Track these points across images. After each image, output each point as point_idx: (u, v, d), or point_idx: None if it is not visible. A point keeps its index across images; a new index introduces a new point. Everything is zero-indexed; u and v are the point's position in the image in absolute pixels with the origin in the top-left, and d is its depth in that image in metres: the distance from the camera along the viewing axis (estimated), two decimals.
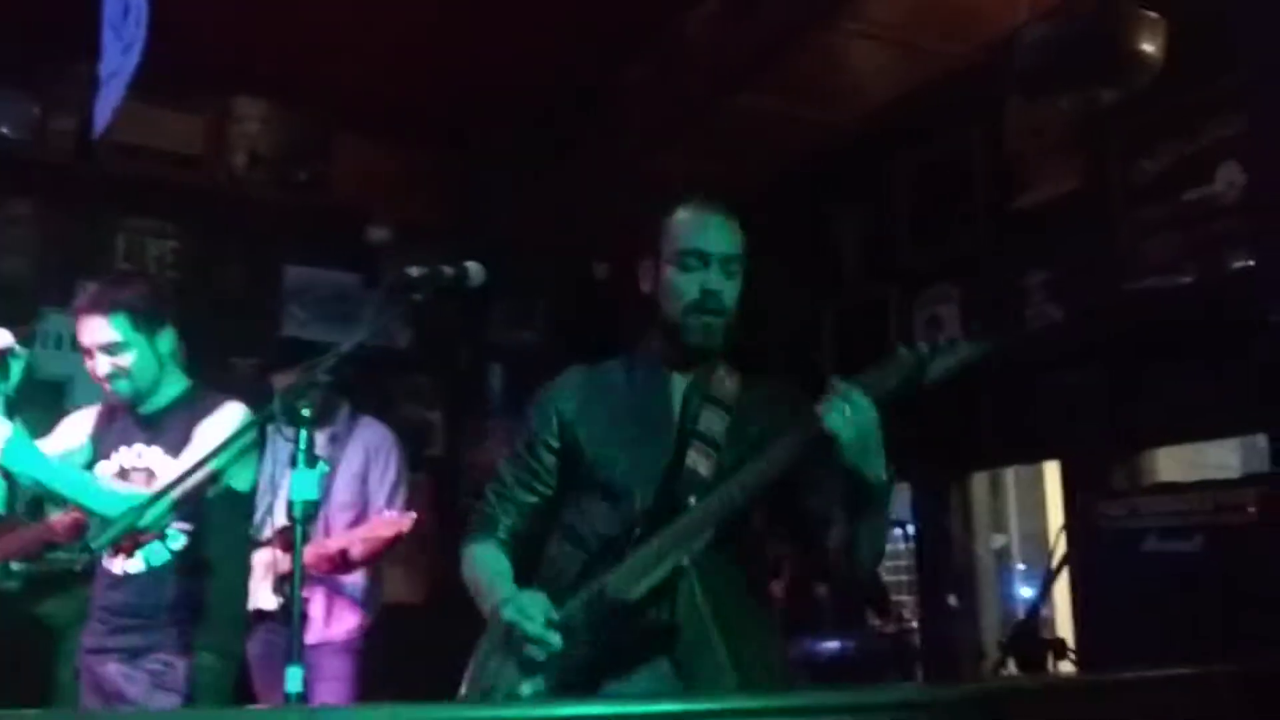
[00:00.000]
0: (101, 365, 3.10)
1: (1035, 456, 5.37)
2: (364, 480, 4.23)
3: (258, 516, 3.87)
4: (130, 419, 3.21)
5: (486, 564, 2.51)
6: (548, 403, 2.61)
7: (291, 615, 2.23)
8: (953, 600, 4.54)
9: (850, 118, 5.26)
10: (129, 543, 3.01)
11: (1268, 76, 1.98)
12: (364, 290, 6.38)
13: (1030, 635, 3.07)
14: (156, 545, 3.09)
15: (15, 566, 4.45)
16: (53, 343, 5.45)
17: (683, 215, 2.52)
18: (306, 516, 2.26)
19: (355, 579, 4.14)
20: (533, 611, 2.23)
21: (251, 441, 3.10)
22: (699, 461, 2.37)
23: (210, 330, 5.94)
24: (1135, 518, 2.68)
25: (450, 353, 6.59)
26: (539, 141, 6.16)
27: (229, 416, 3.10)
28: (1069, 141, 4.82)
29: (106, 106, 3.85)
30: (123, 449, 3.18)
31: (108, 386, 3.15)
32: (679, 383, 2.51)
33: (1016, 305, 5.10)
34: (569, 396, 2.58)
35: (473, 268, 2.64)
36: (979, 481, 5.76)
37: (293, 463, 2.26)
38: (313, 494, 2.26)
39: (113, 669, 3.05)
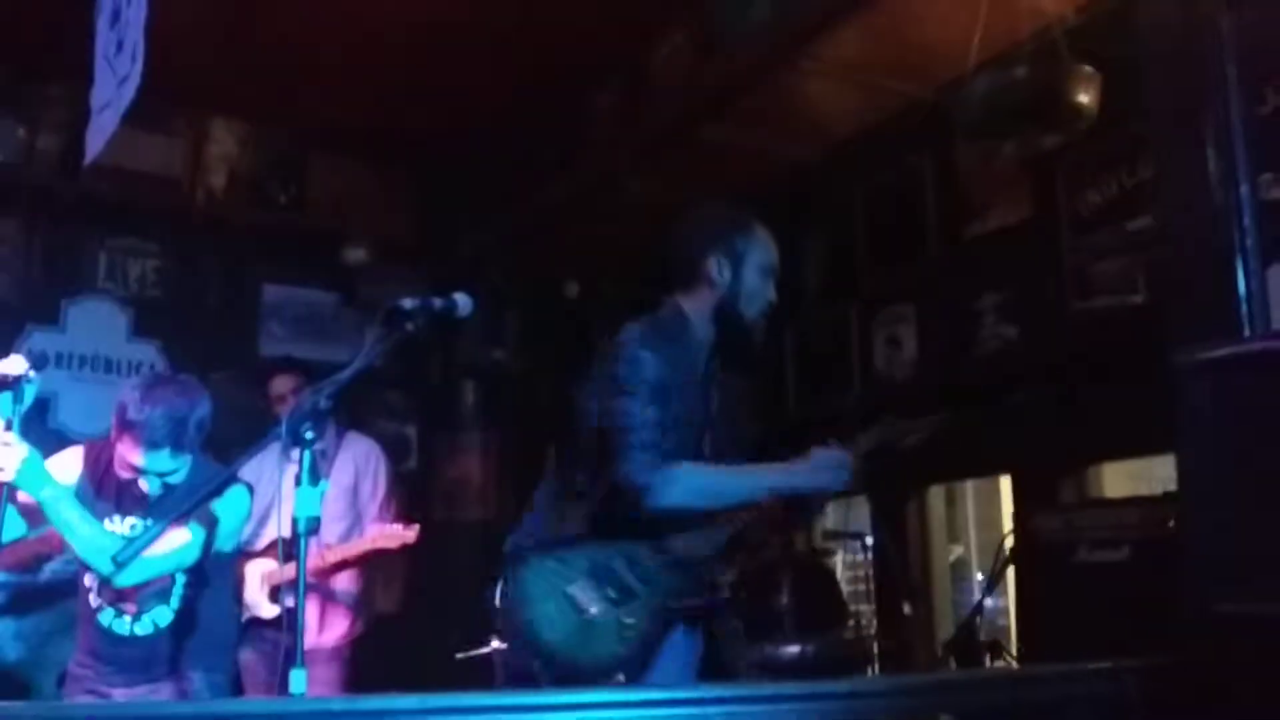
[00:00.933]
0: None
1: (988, 471, 5.62)
2: (355, 493, 4.40)
3: (250, 529, 4.05)
4: None
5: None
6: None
7: (287, 623, 2.40)
8: (906, 609, 4.76)
9: (811, 149, 5.48)
10: (131, 603, 3.14)
11: (1170, 126, 2.21)
12: (340, 309, 6.54)
13: (968, 637, 3.28)
14: (161, 607, 3.19)
15: (3, 578, 4.54)
16: (37, 360, 5.55)
17: (762, 234, 3.02)
18: (309, 531, 2.43)
19: (348, 587, 4.31)
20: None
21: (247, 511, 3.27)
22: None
23: (190, 346, 6.13)
24: (1069, 530, 2.92)
25: (424, 369, 6.76)
26: (511, 164, 6.34)
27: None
28: (1018, 173, 5.07)
29: (99, 136, 3.97)
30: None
31: None
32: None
33: (970, 326, 5.36)
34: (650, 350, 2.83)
35: (461, 299, 2.83)
36: (935, 495, 6.01)
37: (297, 481, 2.43)
38: (316, 510, 2.43)
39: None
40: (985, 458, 5.27)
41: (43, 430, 5.44)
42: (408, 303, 2.74)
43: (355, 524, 4.35)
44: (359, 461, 4.46)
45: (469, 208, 6.68)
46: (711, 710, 1.45)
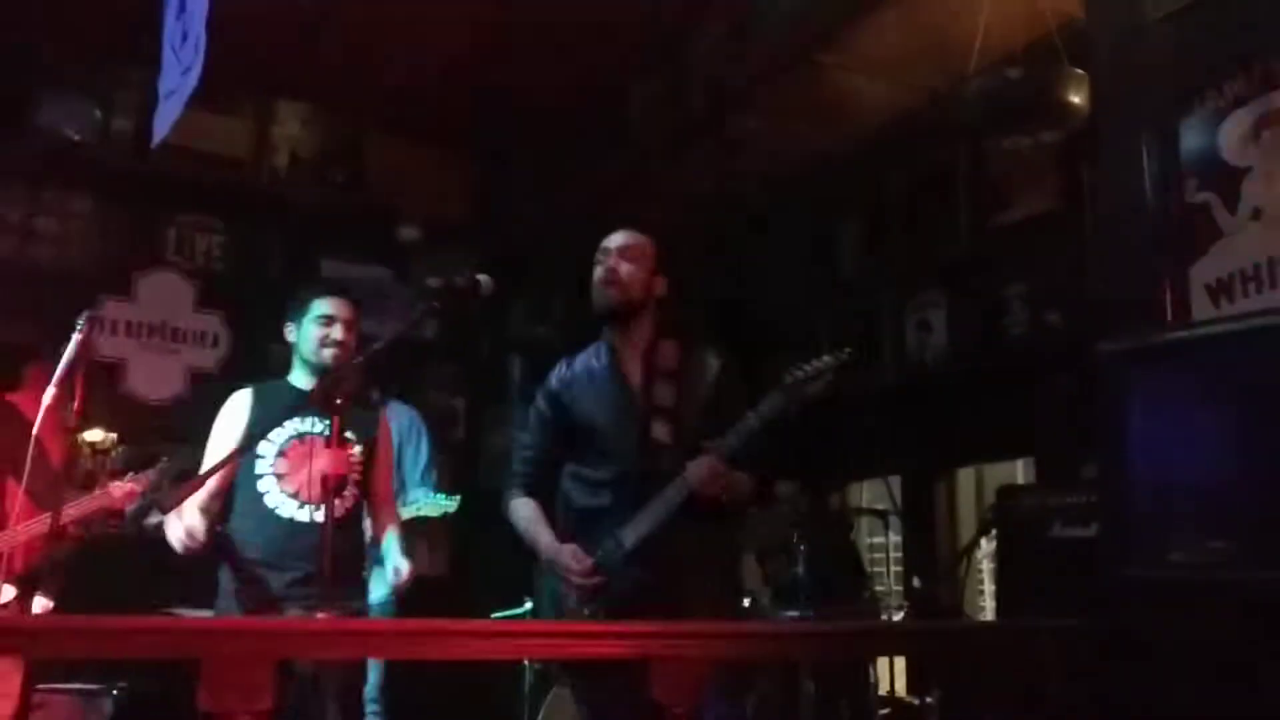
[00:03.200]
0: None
1: (1013, 454, 5.75)
2: (398, 462, 4.63)
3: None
4: None
5: (530, 517, 3.17)
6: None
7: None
8: (916, 582, 4.93)
9: (844, 138, 5.63)
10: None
11: (1110, 129, 2.36)
12: (394, 284, 6.81)
13: (929, 598, 3.46)
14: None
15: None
16: (109, 328, 5.91)
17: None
18: (337, 489, 2.69)
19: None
20: (574, 565, 2.94)
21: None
22: (662, 433, 3.00)
23: (251, 317, 6.44)
24: (1044, 508, 3.10)
25: (473, 345, 7.02)
26: (559, 148, 6.56)
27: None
28: (1046, 164, 5.18)
29: (165, 121, 4.23)
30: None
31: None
32: (627, 355, 3.15)
33: (998, 312, 5.50)
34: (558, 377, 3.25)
35: (483, 279, 3.06)
36: (965, 476, 6.16)
37: (327, 443, 2.69)
38: (342, 469, 2.70)
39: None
40: (1011, 440, 5.42)
41: (112, 394, 5.82)
42: (433, 281, 2.99)
43: (399, 490, 4.58)
44: (401, 431, 4.69)
45: (519, 189, 6.92)
46: (650, 644, 1.67)
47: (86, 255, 6.13)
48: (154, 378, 6.11)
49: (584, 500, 3.11)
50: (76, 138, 6.00)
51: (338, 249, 6.76)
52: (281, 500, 3.33)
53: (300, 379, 3.55)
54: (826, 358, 3.03)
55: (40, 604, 3.22)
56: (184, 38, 4.13)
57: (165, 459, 4.21)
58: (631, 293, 3.13)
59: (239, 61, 5.57)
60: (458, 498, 4.40)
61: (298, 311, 3.52)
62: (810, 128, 5.51)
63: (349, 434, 3.40)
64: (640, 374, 3.13)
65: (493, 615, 4.94)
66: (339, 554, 3.39)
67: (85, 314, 3.44)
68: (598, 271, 3.15)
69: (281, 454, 3.37)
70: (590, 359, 3.21)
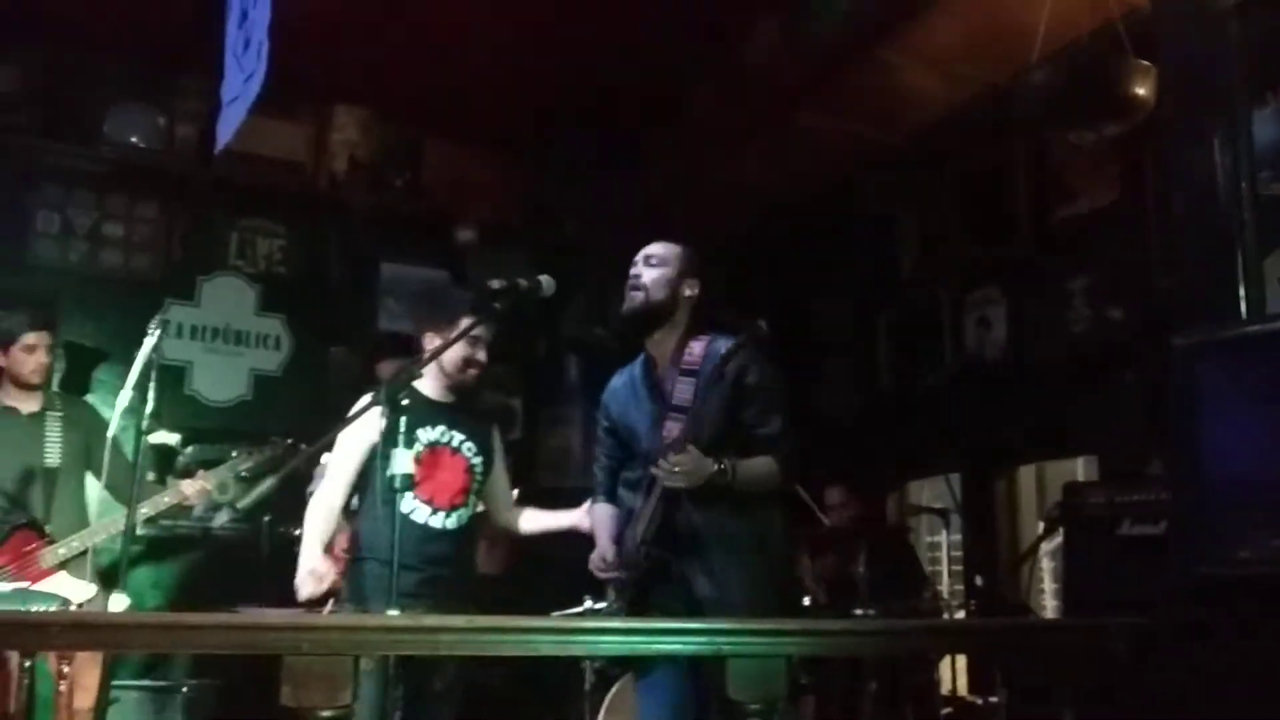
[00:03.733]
0: None
1: (1076, 451, 5.68)
2: None
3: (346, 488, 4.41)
4: None
5: (599, 520, 3.42)
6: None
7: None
8: (978, 580, 4.89)
9: (902, 134, 5.60)
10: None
11: (1181, 122, 2.32)
12: (452, 286, 6.87)
13: (993, 596, 3.43)
14: (463, 510, 3.62)
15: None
16: (175, 332, 6.02)
17: None
18: (404, 487, 2.74)
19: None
20: (598, 561, 3.26)
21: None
22: (672, 429, 3.17)
23: (312, 320, 6.54)
24: (1112, 506, 3.06)
25: (530, 345, 7.06)
26: (615, 149, 6.59)
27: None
28: (1108, 157, 5.11)
29: (228, 127, 4.30)
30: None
31: None
32: (661, 360, 3.33)
33: (1059, 308, 5.43)
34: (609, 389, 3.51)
35: (545, 280, 3.10)
36: (1026, 473, 6.09)
37: (393, 443, 2.73)
38: (409, 469, 2.74)
39: None
40: (1073, 437, 5.36)
41: (178, 396, 5.92)
42: (496, 283, 3.03)
43: None
44: None
45: (574, 190, 6.94)
46: (721, 640, 1.69)
47: (152, 260, 6.23)
48: (218, 380, 6.21)
49: (628, 501, 3.31)
50: (142, 146, 6.11)
51: (396, 251, 6.82)
52: (416, 505, 3.51)
53: (429, 387, 3.66)
54: (748, 330, 3.17)
55: (118, 600, 3.29)
56: (246, 45, 4.19)
57: (235, 456, 4.29)
58: (655, 297, 3.29)
59: (298, 67, 5.64)
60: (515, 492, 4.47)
61: (445, 323, 3.58)
62: (868, 123, 5.49)
63: (471, 445, 3.63)
64: (669, 370, 3.27)
65: (552, 615, 4.96)
66: (465, 559, 3.60)
67: (157, 319, 3.52)
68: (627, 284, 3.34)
69: (417, 461, 3.47)
70: (633, 368, 3.41)
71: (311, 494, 4.96)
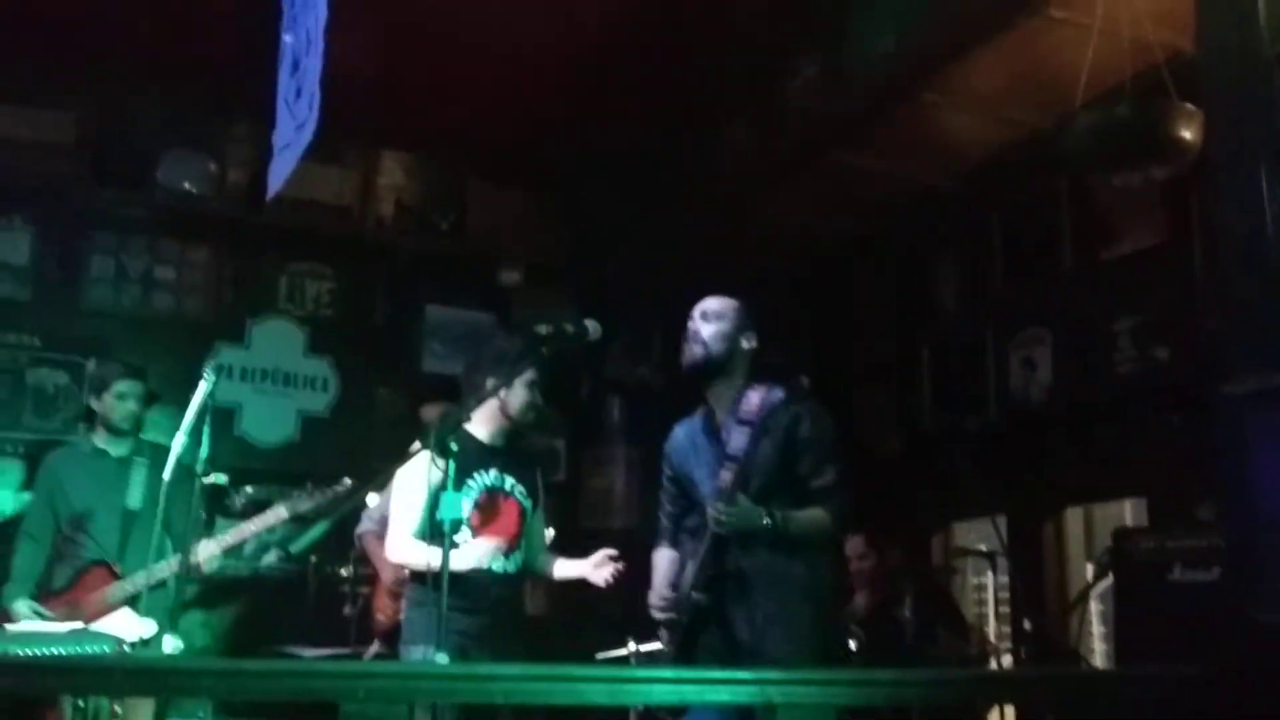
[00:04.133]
0: None
1: (1124, 493, 5.61)
2: None
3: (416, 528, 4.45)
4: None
5: (657, 564, 3.51)
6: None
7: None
8: (1026, 625, 4.84)
9: (943, 174, 5.61)
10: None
11: (1226, 161, 2.32)
12: (496, 327, 6.94)
13: (1042, 642, 3.40)
14: (518, 554, 3.67)
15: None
16: (224, 373, 6.11)
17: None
18: (453, 531, 2.77)
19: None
20: (655, 601, 3.35)
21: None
22: (726, 477, 3.29)
23: (359, 362, 6.62)
24: (1163, 552, 3.03)
25: (573, 386, 7.10)
26: (655, 189, 6.64)
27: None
28: (1153, 197, 5.08)
29: (279, 175, 4.37)
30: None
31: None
32: (720, 411, 3.44)
33: (1105, 348, 5.39)
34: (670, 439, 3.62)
35: (591, 325, 3.15)
36: (1073, 516, 6.02)
37: (442, 487, 2.77)
38: (458, 513, 2.78)
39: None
40: (1121, 479, 5.30)
41: (226, 437, 6.00)
42: (543, 328, 3.09)
43: None
44: None
45: (616, 230, 7.00)
46: (771, 690, 1.69)
47: (203, 303, 6.37)
48: (267, 421, 6.30)
49: (686, 545, 3.43)
50: (194, 191, 6.23)
51: (441, 294, 6.92)
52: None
53: (480, 431, 3.69)
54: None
55: (170, 642, 3.34)
56: (298, 94, 4.27)
57: (295, 495, 4.34)
58: (714, 351, 3.40)
59: (346, 114, 5.77)
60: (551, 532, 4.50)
61: (510, 371, 3.60)
62: (909, 164, 5.51)
63: (522, 489, 3.71)
64: (727, 421, 3.38)
65: (596, 656, 4.97)
66: (521, 601, 3.66)
67: (211, 365, 3.60)
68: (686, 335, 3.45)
69: (476, 505, 3.56)
70: (694, 419, 3.52)
71: (360, 535, 5.02)
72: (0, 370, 5.88)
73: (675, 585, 3.36)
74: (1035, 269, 5.86)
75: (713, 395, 3.45)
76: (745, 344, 3.44)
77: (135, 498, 4.53)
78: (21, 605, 4.29)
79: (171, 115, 6.26)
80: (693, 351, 3.42)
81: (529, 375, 3.55)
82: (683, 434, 3.57)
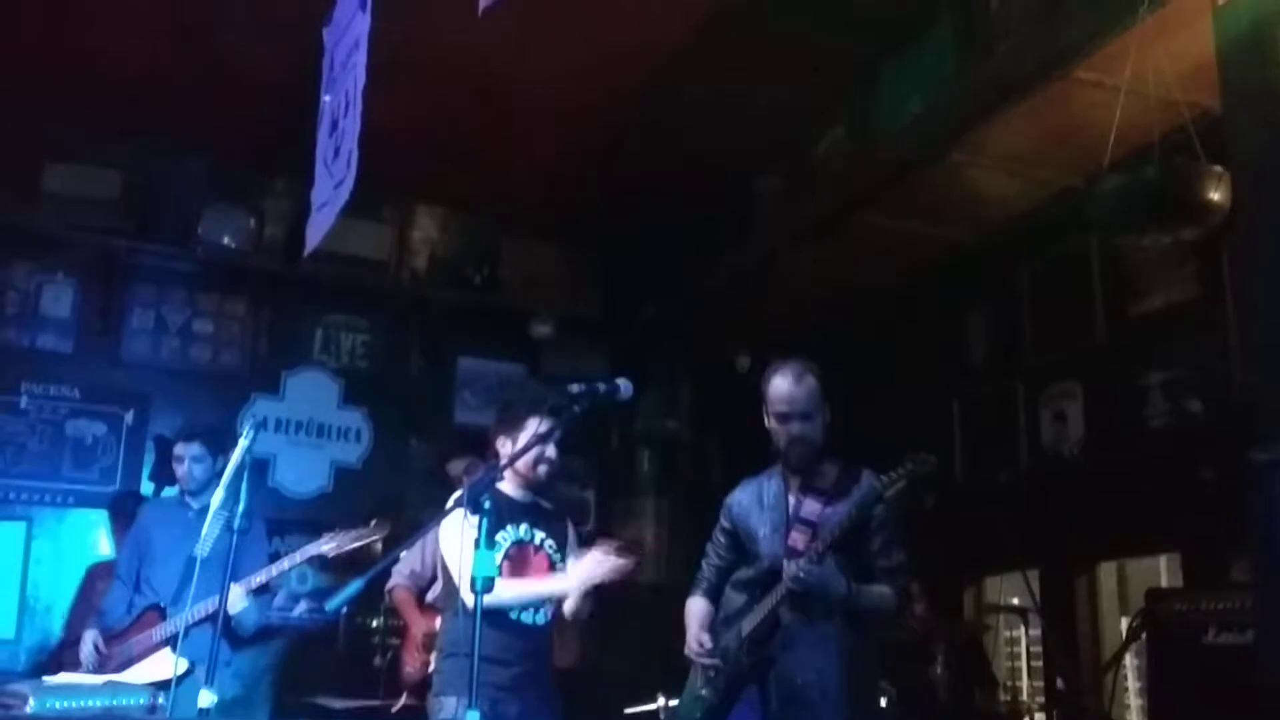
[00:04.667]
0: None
1: (1157, 549, 5.57)
2: None
3: (438, 586, 4.48)
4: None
5: (692, 611, 3.60)
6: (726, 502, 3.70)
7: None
8: (1060, 683, 4.79)
9: (972, 231, 5.64)
10: None
11: (1253, 227, 2.34)
12: (527, 379, 6.99)
13: (1076, 704, 3.37)
14: (548, 606, 3.67)
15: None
16: (260, 426, 6.17)
17: (774, 381, 3.48)
18: (485, 589, 2.78)
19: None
20: (694, 645, 3.44)
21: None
22: (797, 539, 3.34)
23: (393, 413, 6.68)
24: (1197, 614, 3.01)
25: (603, 438, 7.12)
26: (685, 246, 6.70)
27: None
28: (1184, 252, 5.08)
29: (317, 232, 4.43)
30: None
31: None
32: (794, 481, 3.50)
33: (1137, 404, 5.37)
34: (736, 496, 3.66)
35: (623, 384, 3.18)
36: (1106, 571, 5.97)
37: (475, 544, 2.79)
38: (491, 570, 2.79)
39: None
40: (1154, 535, 5.26)
41: (262, 487, 6.07)
42: (575, 387, 3.12)
43: None
44: None
45: (647, 284, 7.06)
46: None
47: (240, 355, 6.46)
48: (301, 472, 6.36)
49: (732, 597, 3.51)
50: (232, 246, 6.34)
51: (473, 346, 7.00)
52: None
53: (509, 486, 3.74)
54: (910, 465, 3.23)
55: (205, 696, 3.37)
56: (336, 153, 4.34)
57: (315, 549, 4.39)
58: (818, 444, 3.45)
59: (381, 170, 5.86)
60: None
61: (512, 425, 3.66)
62: (939, 223, 5.54)
63: (552, 542, 3.74)
64: (798, 489, 3.45)
65: (625, 711, 4.96)
66: (549, 653, 3.67)
67: (250, 422, 3.66)
68: (780, 432, 3.43)
69: (507, 558, 3.60)
70: (764, 478, 3.59)
71: (391, 589, 5.05)
72: (41, 421, 5.97)
73: (714, 632, 3.44)
74: (1066, 324, 5.86)
75: (788, 464, 3.51)
76: (827, 419, 3.50)
77: (205, 547, 4.61)
78: (87, 637, 4.48)
79: (212, 173, 6.39)
80: (801, 453, 3.42)
81: (544, 433, 3.52)
82: (750, 491, 3.62)
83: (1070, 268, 5.78)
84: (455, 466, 5.13)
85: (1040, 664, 5.78)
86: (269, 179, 6.44)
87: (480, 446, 5.29)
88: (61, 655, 4.89)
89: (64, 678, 4.19)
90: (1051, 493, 5.80)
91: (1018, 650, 5.86)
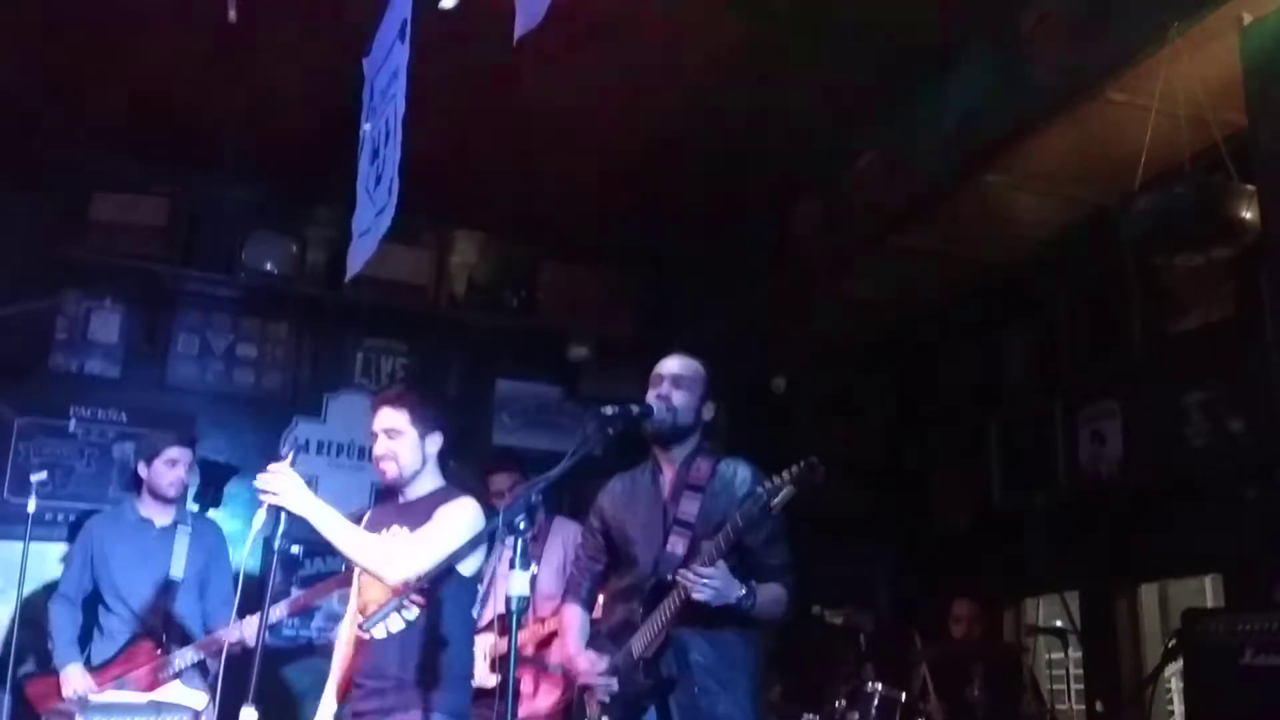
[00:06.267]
0: (380, 446, 3.69)
1: (1198, 570, 5.52)
2: (564, 572, 4.80)
3: (477, 607, 4.53)
4: (392, 505, 3.78)
5: (569, 625, 3.51)
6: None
7: (502, 691, 2.78)
8: (1099, 706, 4.75)
9: (1008, 251, 5.64)
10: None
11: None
12: (564, 401, 7.04)
13: None
14: (395, 616, 3.52)
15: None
16: (302, 449, 6.26)
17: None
18: (520, 610, 2.82)
19: (560, 659, 4.69)
20: (586, 667, 3.27)
21: (481, 538, 3.62)
22: (676, 543, 3.23)
23: None
24: (1234, 635, 2.99)
25: (637, 458, 7.14)
26: (721, 268, 6.74)
27: (464, 505, 3.58)
28: (1222, 270, 5.05)
29: (358, 259, 4.49)
30: (382, 530, 3.70)
31: (379, 466, 3.71)
32: (666, 475, 3.45)
33: (1177, 422, 5.33)
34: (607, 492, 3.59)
35: (655, 406, 3.20)
36: (1148, 592, 5.92)
37: (510, 565, 2.82)
38: (525, 591, 2.82)
39: None
40: (1195, 556, 5.22)
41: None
42: (608, 410, 3.15)
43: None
44: (568, 544, 4.87)
45: (684, 306, 7.10)
46: None
47: (282, 379, 6.56)
48: (341, 494, 6.37)
49: (614, 609, 3.38)
50: (275, 272, 6.45)
51: (511, 369, 7.05)
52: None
53: None
54: (796, 468, 3.07)
55: (249, 714, 3.41)
56: (378, 181, 4.41)
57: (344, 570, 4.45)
58: (682, 420, 3.41)
59: (420, 196, 5.94)
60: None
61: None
62: (973, 243, 5.55)
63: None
64: (671, 484, 3.38)
65: None
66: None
67: (291, 442, 3.73)
68: (650, 395, 3.41)
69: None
70: (636, 474, 3.53)
71: None
72: (89, 444, 6.08)
73: (602, 651, 3.31)
74: (1104, 343, 5.85)
75: (664, 456, 3.45)
76: (707, 415, 3.48)
77: (178, 567, 4.67)
78: (74, 672, 4.41)
79: (256, 200, 6.49)
80: (662, 416, 3.36)
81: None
82: (621, 489, 3.55)
83: (1107, 287, 5.77)
84: (499, 481, 5.16)
85: (1081, 687, 5.75)
86: (311, 207, 6.53)
87: (519, 465, 5.35)
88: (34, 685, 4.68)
89: (110, 696, 4.28)
90: (1090, 514, 5.77)
91: (1059, 673, 5.82)
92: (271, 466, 3.34)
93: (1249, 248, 3.63)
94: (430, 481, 3.73)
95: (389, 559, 3.41)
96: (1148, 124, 3.75)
